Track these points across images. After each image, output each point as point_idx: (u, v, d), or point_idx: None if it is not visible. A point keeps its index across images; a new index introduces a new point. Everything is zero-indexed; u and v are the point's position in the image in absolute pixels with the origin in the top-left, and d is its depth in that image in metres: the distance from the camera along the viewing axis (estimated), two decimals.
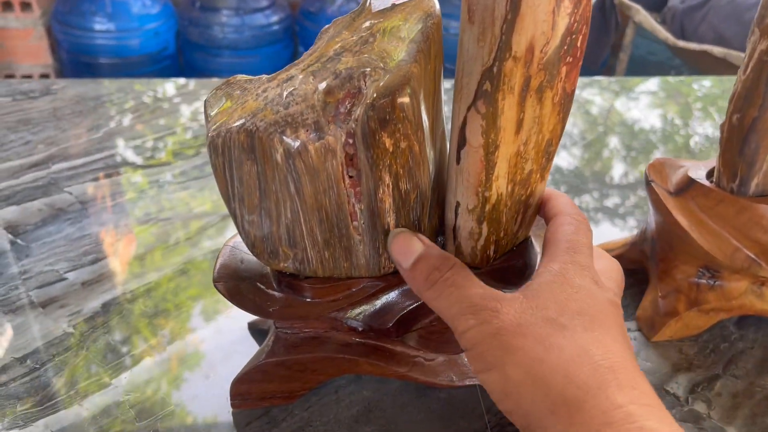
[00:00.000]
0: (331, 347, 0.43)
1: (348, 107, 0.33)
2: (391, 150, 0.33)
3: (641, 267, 0.54)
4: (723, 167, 0.47)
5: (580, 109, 0.89)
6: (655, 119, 0.88)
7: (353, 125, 0.33)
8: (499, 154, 0.34)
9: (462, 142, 0.35)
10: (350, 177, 0.34)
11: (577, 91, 0.93)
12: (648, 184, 0.49)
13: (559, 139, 0.36)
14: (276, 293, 0.39)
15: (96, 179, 0.65)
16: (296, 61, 0.35)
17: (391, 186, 0.34)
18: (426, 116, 0.34)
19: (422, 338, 0.44)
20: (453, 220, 0.38)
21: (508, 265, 0.40)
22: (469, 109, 0.33)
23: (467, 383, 0.44)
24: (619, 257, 0.56)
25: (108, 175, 0.66)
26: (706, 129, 0.86)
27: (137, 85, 0.84)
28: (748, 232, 0.46)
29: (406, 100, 0.32)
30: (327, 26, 0.37)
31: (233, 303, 0.39)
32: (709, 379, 0.48)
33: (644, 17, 1.49)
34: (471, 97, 0.33)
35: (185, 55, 2.15)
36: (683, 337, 0.50)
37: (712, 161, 0.50)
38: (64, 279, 0.53)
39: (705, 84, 1.00)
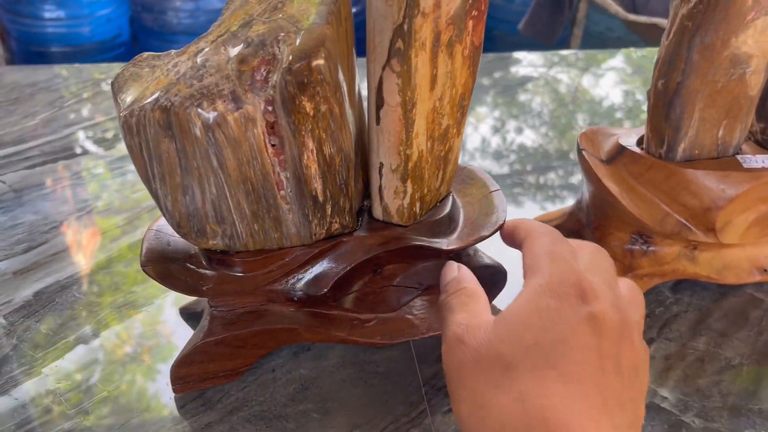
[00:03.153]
0: (269, 320, 0.43)
1: (264, 74, 0.33)
2: (312, 114, 0.33)
3: (580, 235, 0.55)
4: (651, 133, 0.47)
5: (547, 87, 0.90)
6: (621, 95, 0.89)
7: (271, 92, 0.32)
8: (416, 111, 0.35)
9: (380, 102, 0.35)
10: (273, 145, 0.34)
11: (543, 69, 0.94)
12: (579, 152, 0.49)
13: (471, 93, 0.37)
14: (208, 271, 0.39)
15: (30, 167, 0.64)
16: (204, 34, 0.35)
17: (315, 151, 0.35)
18: (343, 78, 0.34)
19: (358, 300, 0.44)
20: (378, 181, 0.39)
21: (434, 220, 0.41)
22: (384, 68, 0.34)
23: (402, 340, 0.44)
24: (558, 227, 0.56)
25: (42, 163, 0.65)
26: None
27: (74, 71, 0.82)
28: (676, 196, 0.47)
29: (322, 62, 0.32)
30: None
31: (165, 285, 0.39)
32: None
33: None
34: (385, 56, 0.33)
35: (140, 42, 2.10)
36: None
37: (643, 129, 0.50)
38: None
39: None
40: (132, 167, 0.65)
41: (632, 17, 1.41)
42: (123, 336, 0.47)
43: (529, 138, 0.78)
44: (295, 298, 0.42)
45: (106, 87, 0.80)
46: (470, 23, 0.34)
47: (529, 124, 0.81)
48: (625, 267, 0.50)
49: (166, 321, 0.48)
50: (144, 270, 0.39)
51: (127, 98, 0.34)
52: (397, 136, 0.36)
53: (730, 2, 0.41)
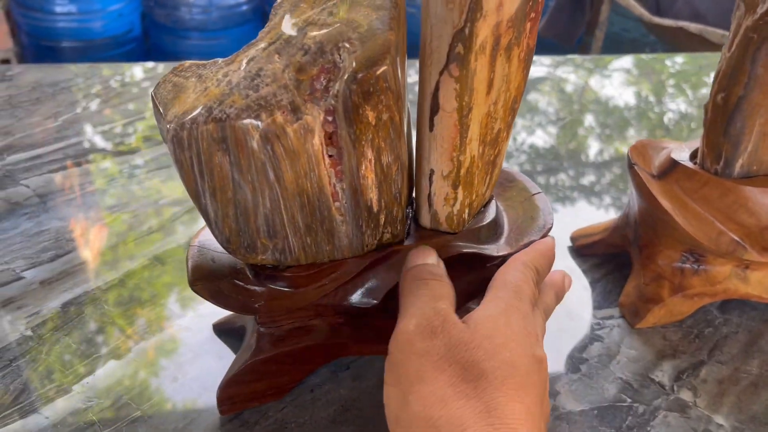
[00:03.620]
0: (318, 334, 0.41)
1: (324, 83, 0.31)
2: (373, 123, 0.32)
3: (623, 251, 0.53)
4: (707, 148, 0.45)
5: (554, 88, 0.88)
6: (629, 96, 0.87)
7: (333, 102, 0.31)
8: (472, 116, 0.34)
9: (435, 108, 0.34)
10: (330, 156, 0.33)
11: (551, 69, 0.93)
12: (631, 167, 0.47)
13: (522, 95, 0.37)
14: (257, 288, 0.37)
15: (54, 170, 0.62)
16: (253, 41, 0.33)
17: (373, 161, 0.33)
18: (402, 85, 0.33)
19: None
20: (428, 188, 0.38)
21: (481, 226, 0.40)
22: (441, 73, 0.33)
23: None
24: (600, 242, 0.55)
25: (65, 166, 0.63)
26: (680, 105, 0.85)
27: (96, 69, 0.81)
28: (732, 214, 0.45)
29: (388, 69, 0.31)
30: (279, 1, 0.35)
31: (216, 304, 0.37)
32: (694, 365, 0.46)
33: None
34: (443, 61, 0.32)
35: (152, 38, 2.08)
36: (667, 323, 0.49)
37: (696, 142, 0.49)
38: (21, 278, 0.50)
39: (678, 60, 0.99)
40: (162, 171, 0.63)
41: (657, 20, 1.38)
42: (155, 352, 0.45)
43: (540, 138, 0.76)
44: (344, 311, 0.41)
45: (126, 88, 0.78)
46: (528, 25, 0.33)
47: (537, 123, 0.79)
48: (675, 286, 0.48)
49: (200, 335, 0.47)
50: (193, 289, 0.37)
51: (173, 110, 0.32)
52: (451, 143, 0.35)
53: None
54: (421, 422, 0.29)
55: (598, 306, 0.51)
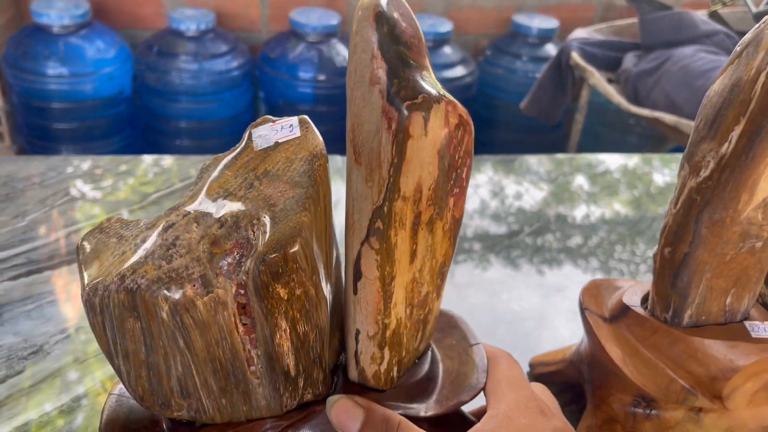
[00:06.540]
0: None
1: (237, 258, 0.32)
2: (286, 298, 0.32)
3: (582, 388, 0.53)
4: (656, 297, 0.46)
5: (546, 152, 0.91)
6: (618, 159, 0.89)
7: (244, 277, 0.31)
8: (395, 283, 0.34)
9: (358, 275, 0.34)
10: (244, 324, 0.33)
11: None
12: (582, 311, 0.47)
13: (451, 259, 0.37)
14: None
15: (14, 278, 0.62)
16: (177, 204, 0.34)
17: (288, 330, 0.33)
18: (320, 257, 0.34)
19: None
20: (354, 346, 0.37)
21: (412, 383, 0.40)
22: (362, 244, 0.33)
23: None
24: (558, 373, 0.54)
25: (27, 273, 0.63)
26: (672, 173, 0.87)
27: (67, 164, 0.81)
28: (682, 363, 0.45)
29: (298, 250, 0.31)
30: (208, 162, 0.36)
31: None
32: None
33: (598, 80, 1.50)
34: (363, 233, 0.33)
35: (142, 100, 2.10)
36: None
37: (649, 283, 0.49)
38: None
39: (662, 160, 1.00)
40: None
41: (634, 109, 1.41)
42: None
43: (527, 202, 0.78)
44: None
45: (93, 189, 0.78)
46: (451, 201, 0.34)
47: (531, 181, 0.81)
48: (627, 431, 0.47)
49: None
50: None
51: (90, 271, 0.32)
52: (375, 307, 0.35)
53: (740, 182, 0.39)
54: None
55: None
